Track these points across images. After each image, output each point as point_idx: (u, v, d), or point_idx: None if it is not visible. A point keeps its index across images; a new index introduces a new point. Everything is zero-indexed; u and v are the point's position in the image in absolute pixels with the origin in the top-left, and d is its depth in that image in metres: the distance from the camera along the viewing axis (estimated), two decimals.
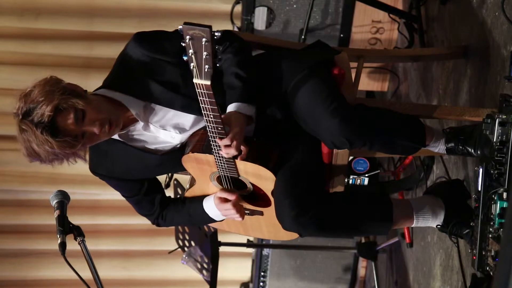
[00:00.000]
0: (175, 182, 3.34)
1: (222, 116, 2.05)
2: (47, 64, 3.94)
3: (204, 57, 1.80)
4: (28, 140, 2.07)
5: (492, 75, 2.52)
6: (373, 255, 4.04)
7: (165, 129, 2.30)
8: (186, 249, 3.74)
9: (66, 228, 1.93)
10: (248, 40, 2.46)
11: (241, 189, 2.37)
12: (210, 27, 1.74)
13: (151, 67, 2.23)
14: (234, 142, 2.07)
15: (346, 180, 2.97)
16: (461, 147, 2.31)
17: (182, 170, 2.37)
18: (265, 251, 4.34)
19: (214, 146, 2.13)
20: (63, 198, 2.01)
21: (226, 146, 2.08)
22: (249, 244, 4.22)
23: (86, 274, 1.89)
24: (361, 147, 2.25)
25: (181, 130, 2.30)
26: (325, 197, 2.34)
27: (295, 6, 3.66)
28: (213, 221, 2.50)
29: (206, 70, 1.84)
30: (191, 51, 1.80)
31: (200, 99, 1.95)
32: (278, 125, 2.33)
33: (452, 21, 2.97)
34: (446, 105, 2.96)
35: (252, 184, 2.32)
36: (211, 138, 2.10)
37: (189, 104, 2.21)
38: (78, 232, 1.94)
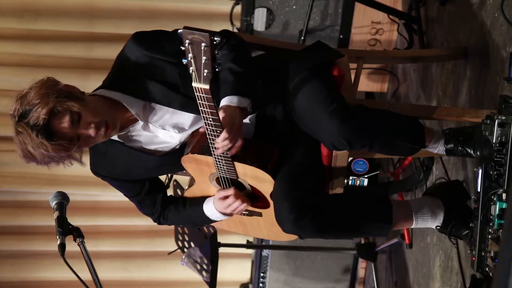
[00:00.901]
0: (174, 183, 3.34)
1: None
2: (46, 65, 3.94)
3: (203, 61, 1.80)
4: (24, 142, 2.07)
5: (492, 76, 2.52)
6: (373, 256, 4.04)
7: (164, 128, 2.30)
8: (185, 250, 3.73)
9: (65, 229, 1.93)
10: (248, 41, 2.46)
11: (239, 191, 2.36)
12: (210, 32, 1.74)
13: (150, 67, 2.22)
14: (226, 133, 2.05)
15: (345, 181, 2.96)
16: (460, 148, 2.30)
17: (182, 170, 2.38)
18: (265, 252, 4.34)
19: (213, 148, 2.13)
20: (63, 199, 2.01)
21: (223, 140, 2.06)
22: (248, 245, 4.22)
23: (86, 275, 1.89)
24: (361, 148, 2.25)
25: (180, 129, 2.30)
26: (324, 199, 2.33)
27: (294, 7, 3.66)
28: (214, 221, 2.50)
29: (205, 74, 1.84)
30: (190, 55, 1.80)
31: (199, 103, 1.95)
32: (278, 126, 2.33)
33: (452, 22, 2.96)
34: (445, 106, 2.96)
35: (251, 186, 2.32)
36: (210, 140, 2.09)
37: (188, 103, 2.20)
38: (77, 233, 1.94)
